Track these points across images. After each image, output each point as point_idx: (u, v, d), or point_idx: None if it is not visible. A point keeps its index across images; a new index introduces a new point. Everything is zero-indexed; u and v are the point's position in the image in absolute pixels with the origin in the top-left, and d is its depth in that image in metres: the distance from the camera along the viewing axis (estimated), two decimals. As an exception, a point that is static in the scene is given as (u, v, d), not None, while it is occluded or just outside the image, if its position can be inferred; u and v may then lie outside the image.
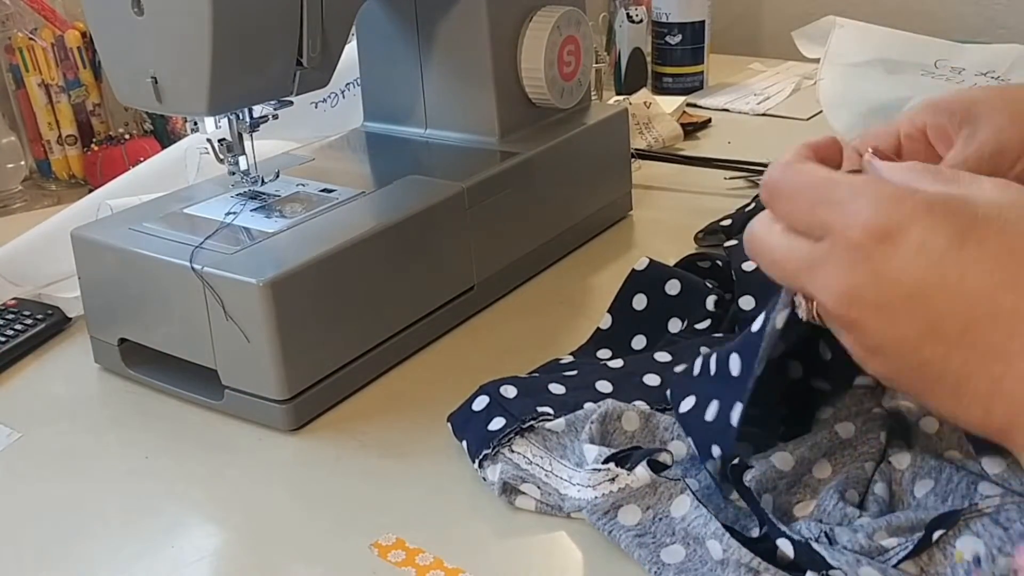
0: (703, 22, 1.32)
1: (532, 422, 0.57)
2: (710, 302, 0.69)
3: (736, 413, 0.49)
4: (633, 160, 0.96)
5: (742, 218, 0.85)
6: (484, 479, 0.56)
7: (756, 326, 0.49)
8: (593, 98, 1.02)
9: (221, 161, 0.73)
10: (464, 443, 0.58)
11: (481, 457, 0.56)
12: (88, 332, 0.73)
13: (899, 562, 0.45)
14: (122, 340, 0.70)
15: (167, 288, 0.66)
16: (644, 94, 1.13)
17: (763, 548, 0.47)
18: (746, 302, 0.68)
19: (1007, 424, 0.38)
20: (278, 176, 0.76)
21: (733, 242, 0.77)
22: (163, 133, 1.16)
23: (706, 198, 0.97)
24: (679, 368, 0.61)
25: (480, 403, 0.59)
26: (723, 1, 1.43)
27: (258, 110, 0.71)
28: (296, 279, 0.63)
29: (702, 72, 1.35)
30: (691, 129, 1.17)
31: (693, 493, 0.51)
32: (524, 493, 0.55)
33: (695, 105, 1.28)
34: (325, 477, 0.60)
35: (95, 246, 0.70)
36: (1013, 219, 0.38)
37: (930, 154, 0.54)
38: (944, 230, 0.37)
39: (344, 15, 0.73)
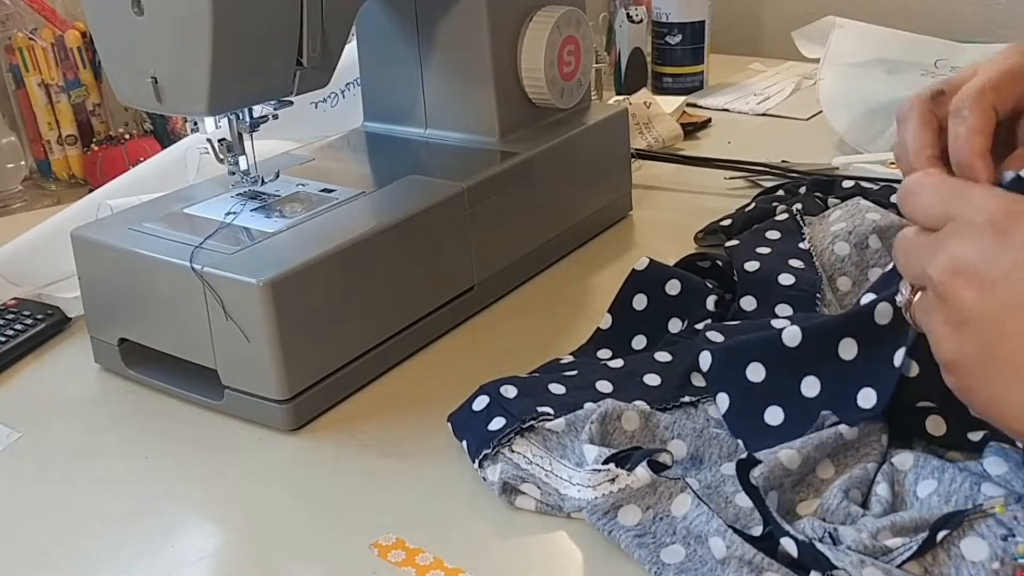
0: (703, 22, 1.32)
1: (532, 422, 0.57)
2: (710, 302, 0.69)
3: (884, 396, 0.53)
4: (633, 160, 0.96)
5: (742, 218, 0.85)
6: (484, 479, 0.56)
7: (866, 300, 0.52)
8: (593, 98, 1.02)
9: (221, 161, 0.73)
10: (464, 443, 0.58)
11: (481, 457, 0.56)
12: (88, 332, 0.73)
13: (903, 562, 0.45)
14: (122, 340, 0.70)
15: (167, 288, 0.66)
16: (644, 94, 1.13)
17: (766, 546, 0.47)
18: (747, 302, 0.68)
19: None
20: (278, 176, 0.76)
21: (734, 242, 0.77)
22: (163, 133, 1.16)
23: (706, 198, 0.97)
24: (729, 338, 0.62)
25: (480, 403, 0.59)
26: (723, 1, 1.43)
27: (258, 110, 0.71)
28: (296, 279, 0.63)
29: (702, 72, 1.35)
30: (691, 129, 1.17)
31: (694, 492, 0.51)
32: (524, 493, 0.55)
33: (695, 105, 1.28)
34: (325, 477, 0.60)
35: (95, 246, 0.70)
36: None
37: None
38: None
39: (344, 15, 0.73)
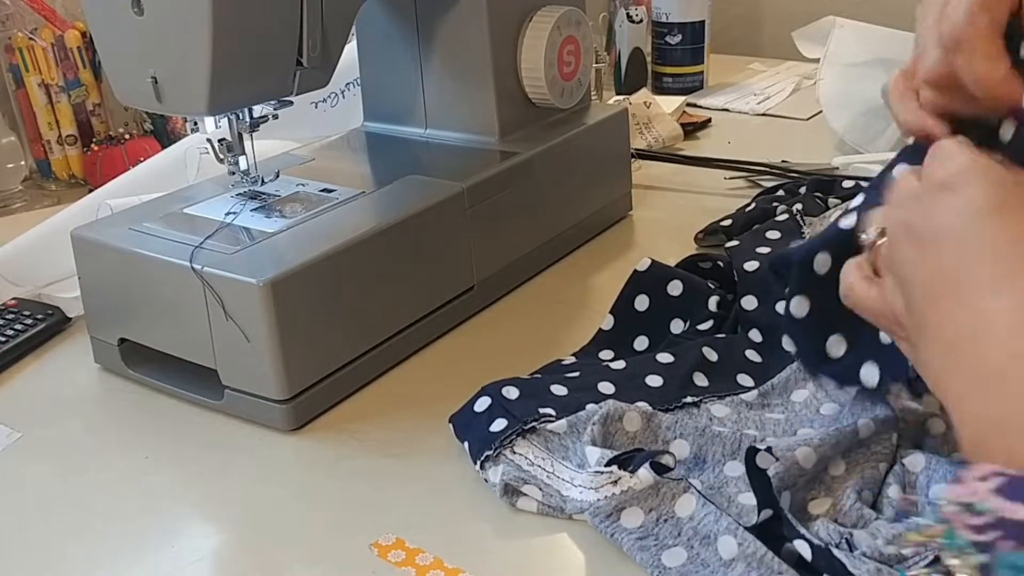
0: (703, 22, 1.32)
1: (534, 423, 0.57)
2: (712, 303, 0.69)
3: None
4: (633, 160, 0.96)
5: (742, 218, 0.85)
6: (486, 480, 0.56)
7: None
8: (593, 98, 1.02)
9: (221, 161, 0.73)
10: (466, 444, 0.58)
11: (483, 458, 0.56)
12: (88, 332, 0.73)
13: (919, 571, 0.45)
14: (122, 340, 0.70)
15: (167, 288, 0.66)
16: (644, 94, 1.13)
17: (773, 544, 0.47)
18: (748, 302, 0.68)
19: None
20: (278, 176, 0.76)
21: (735, 243, 0.77)
22: (163, 133, 1.16)
23: (706, 198, 0.97)
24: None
25: (482, 404, 0.59)
26: (723, 1, 1.43)
27: (258, 110, 0.71)
28: (296, 279, 0.63)
29: (702, 72, 1.35)
30: (691, 129, 1.17)
31: (698, 491, 0.51)
32: (526, 495, 0.55)
33: (695, 105, 1.28)
34: (325, 477, 0.60)
35: (95, 246, 0.70)
36: None
37: None
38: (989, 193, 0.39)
39: (344, 15, 0.73)
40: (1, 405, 0.70)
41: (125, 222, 0.71)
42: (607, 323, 0.70)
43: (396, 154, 0.84)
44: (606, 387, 0.61)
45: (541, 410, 0.58)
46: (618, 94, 1.31)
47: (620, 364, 0.64)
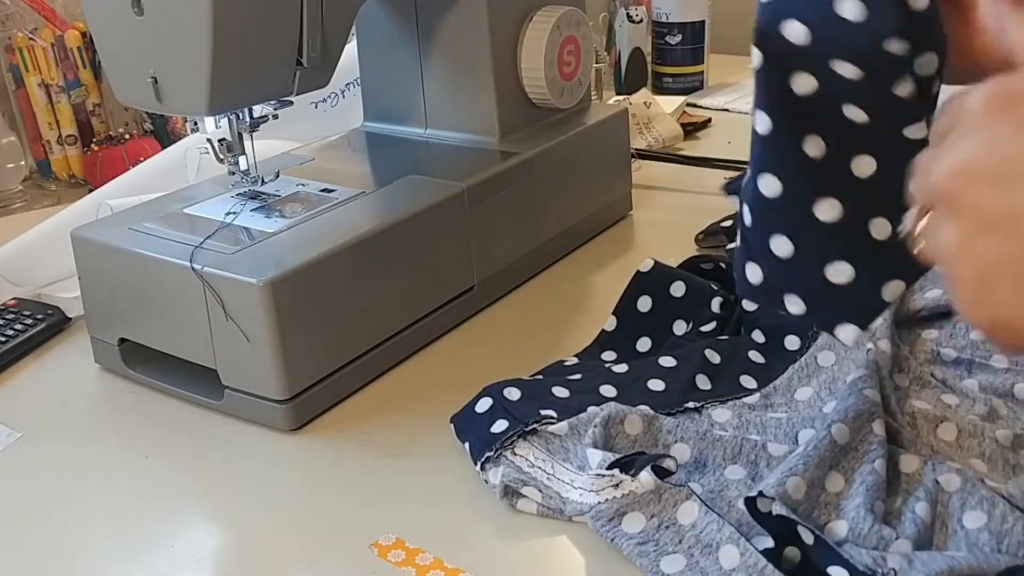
0: (703, 22, 1.32)
1: (535, 425, 0.57)
2: (715, 304, 0.69)
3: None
4: (633, 160, 0.96)
5: (743, 218, 0.85)
6: (486, 481, 0.56)
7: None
8: (593, 98, 1.02)
9: (221, 161, 0.73)
10: (467, 445, 0.58)
11: (483, 459, 0.56)
12: (88, 332, 0.73)
13: None
14: (122, 340, 0.70)
15: (167, 288, 0.66)
16: (644, 94, 1.13)
17: (772, 554, 0.47)
18: (750, 303, 0.68)
19: None
20: (278, 176, 0.76)
21: (735, 244, 0.76)
22: (163, 133, 1.16)
23: (706, 198, 0.97)
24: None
25: (483, 405, 0.59)
26: (723, 1, 1.43)
27: (258, 110, 0.71)
28: (296, 279, 0.63)
29: (702, 72, 1.35)
30: (691, 129, 1.17)
31: (700, 499, 0.50)
32: (526, 496, 0.55)
33: (695, 105, 1.28)
34: (325, 477, 0.60)
35: (95, 246, 0.70)
36: None
37: None
38: None
39: (344, 15, 0.73)
40: (1, 405, 0.70)
41: (125, 222, 0.71)
42: (610, 324, 0.70)
43: (396, 154, 0.84)
44: (608, 390, 0.61)
45: (542, 412, 0.58)
46: (618, 94, 1.31)
47: (622, 367, 0.64)
